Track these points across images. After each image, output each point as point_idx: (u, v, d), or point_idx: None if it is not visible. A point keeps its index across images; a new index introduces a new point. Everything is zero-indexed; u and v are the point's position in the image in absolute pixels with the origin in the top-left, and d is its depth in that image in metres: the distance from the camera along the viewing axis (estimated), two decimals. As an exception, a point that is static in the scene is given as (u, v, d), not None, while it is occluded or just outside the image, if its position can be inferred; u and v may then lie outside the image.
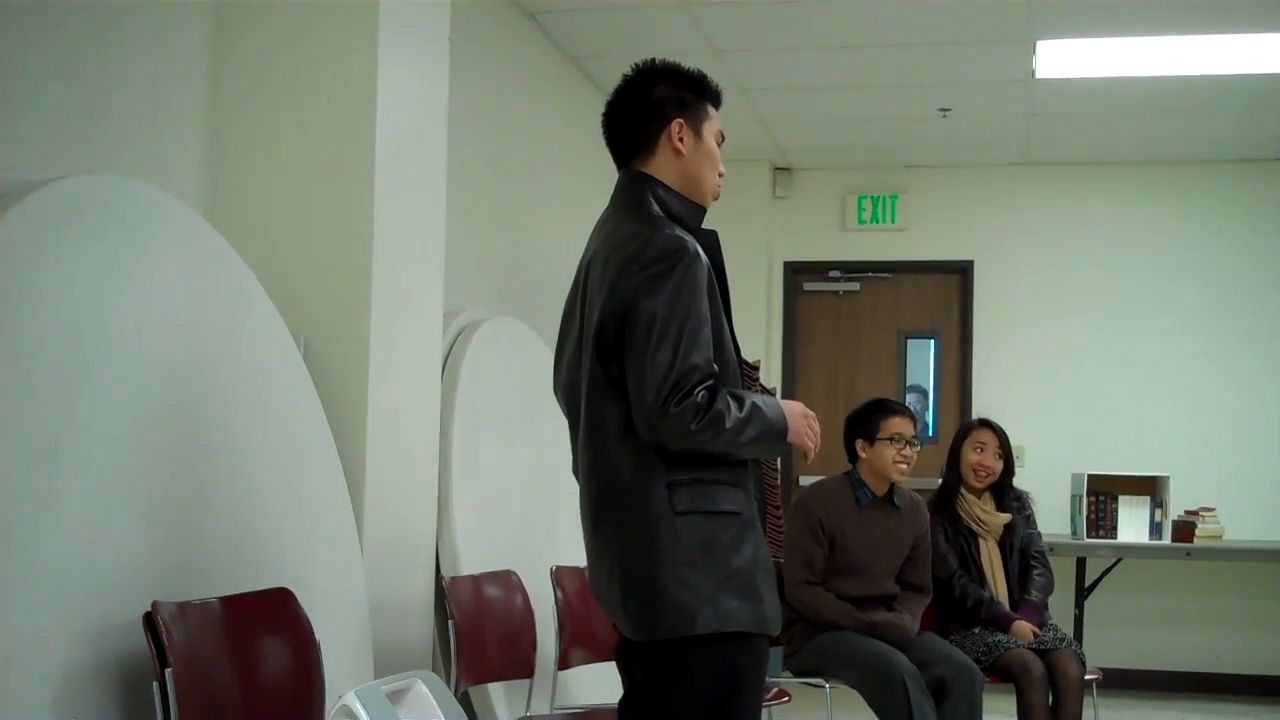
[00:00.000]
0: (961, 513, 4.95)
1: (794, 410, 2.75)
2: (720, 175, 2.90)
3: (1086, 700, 4.70)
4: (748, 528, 2.69)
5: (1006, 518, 4.96)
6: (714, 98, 2.89)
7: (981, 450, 4.98)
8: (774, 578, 2.75)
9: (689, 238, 2.68)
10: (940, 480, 5.16)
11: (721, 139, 2.90)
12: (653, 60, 2.89)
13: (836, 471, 4.72)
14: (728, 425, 2.57)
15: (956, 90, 6.44)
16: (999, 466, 4.99)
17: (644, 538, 2.63)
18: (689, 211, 2.81)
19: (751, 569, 2.66)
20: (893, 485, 4.66)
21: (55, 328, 2.64)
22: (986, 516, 4.94)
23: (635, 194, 2.81)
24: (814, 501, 4.58)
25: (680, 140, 2.80)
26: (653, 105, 2.83)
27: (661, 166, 2.82)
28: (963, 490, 4.99)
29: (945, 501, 5.00)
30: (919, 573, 4.69)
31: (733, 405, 2.59)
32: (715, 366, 2.62)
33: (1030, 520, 5.09)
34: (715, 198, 2.89)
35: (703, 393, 2.56)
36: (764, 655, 2.73)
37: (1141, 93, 6.35)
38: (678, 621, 2.60)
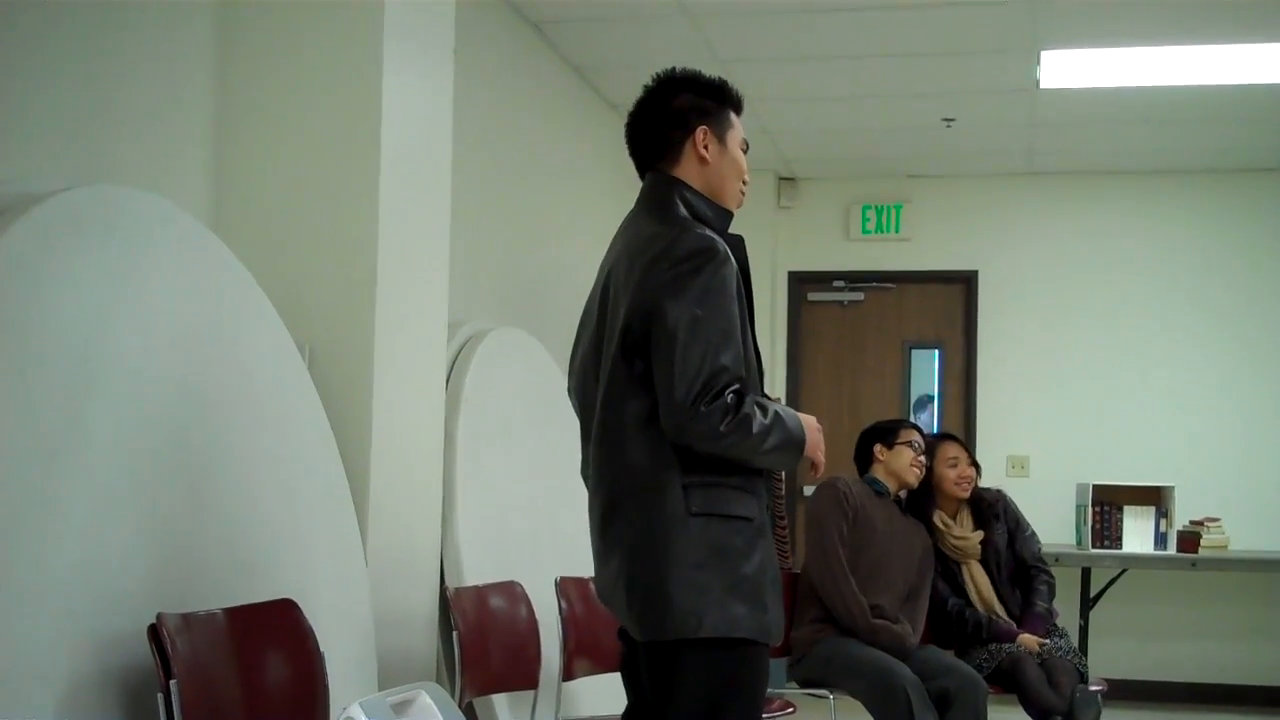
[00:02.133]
0: (939, 546, 4.93)
1: (810, 424, 2.75)
2: (745, 184, 2.89)
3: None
4: (759, 535, 2.68)
5: (981, 534, 4.96)
6: (735, 104, 2.89)
7: (956, 464, 4.99)
8: (780, 588, 2.75)
9: (719, 239, 2.68)
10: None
11: (746, 147, 2.90)
12: (673, 70, 2.88)
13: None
14: (754, 430, 2.57)
15: (960, 100, 6.45)
16: (974, 472, 5.04)
17: (657, 537, 2.62)
18: (716, 215, 2.81)
19: (759, 577, 2.65)
20: (899, 497, 4.81)
21: (60, 338, 2.64)
22: (962, 543, 4.92)
23: (662, 196, 2.80)
24: (839, 481, 4.70)
25: (705, 148, 2.80)
26: (675, 114, 2.82)
27: (686, 174, 2.82)
28: (936, 518, 4.96)
29: (919, 516, 4.97)
30: (922, 580, 4.75)
31: (758, 411, 2.59)
32: (743, 369, 2.62)
33: (1020, 522, 5.07)
34: (739, 205, 2.89)
35: (732, 395, 2.56)
36: (765, 664, 2.72)
37: (1145, 103, 6.35)
38: (682, 623, 2.60)
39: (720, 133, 2.83)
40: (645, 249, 2.67)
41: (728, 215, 2.85)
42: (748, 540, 2.65)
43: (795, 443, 2.68)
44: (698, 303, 2.57)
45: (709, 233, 2.68)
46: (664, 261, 2.62)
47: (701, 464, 2.61)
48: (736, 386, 2.58)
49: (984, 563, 4.95)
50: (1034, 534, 5.10)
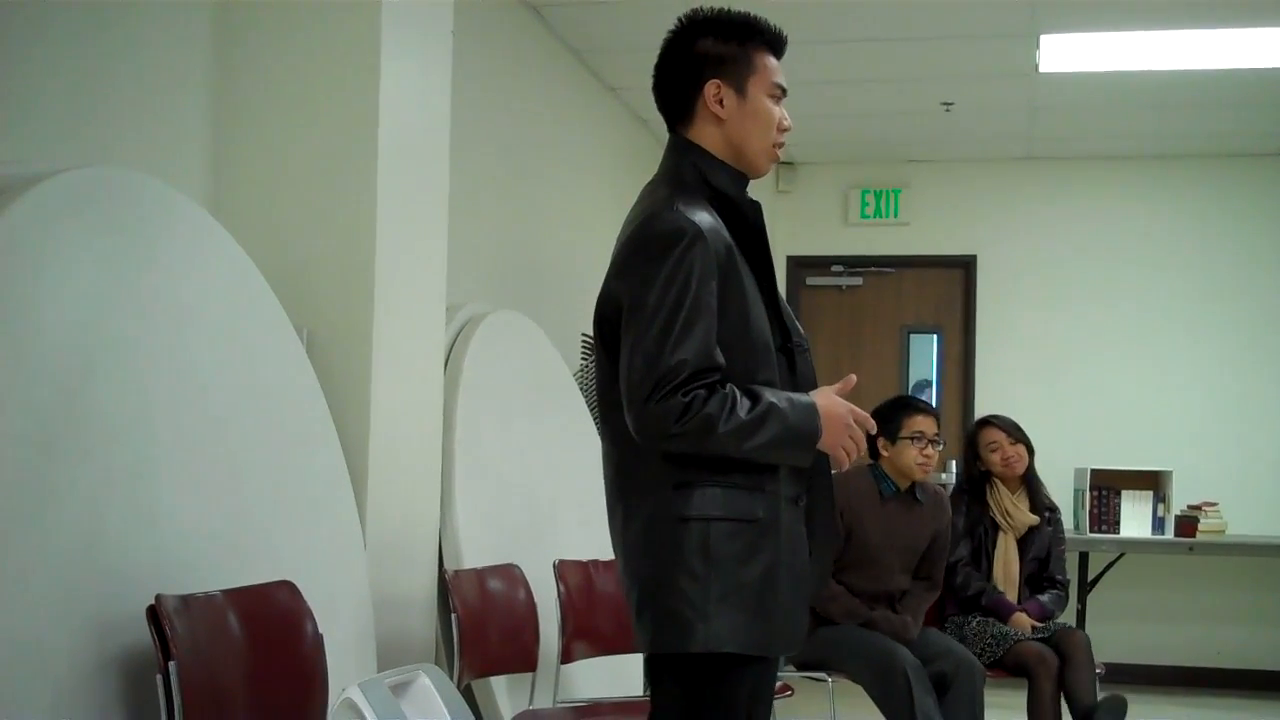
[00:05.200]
0: (990, 502, 4.97)
1: (833, 414, 2.50)
2: (784, 131, 2.62)
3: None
4: (765, 536, 2.46)
5: (1035, 520, 4.97)
6: (770, 44, 2.61)
7: (996, 448, 5.01)
8: (802, 587, 2.55)
9: (699, 217, 2.44)
10: (956, 474, 5.20)
11: (781, 92, 2.63)
12: (698, 10, 2.61)
13: (861, 464, 4.66)
14: (720, 430, 2.35)
15: (959, 84, 6.44)
16: (1021, 450, 5.02)
17: (646, 544, 2.47)
18: (731, 180, 2.57)
19: (764, 583, 2.45)
20: (912, 488, 4.64)
21: (58, 320, 2.63)
22: (1015, 512, 4.95)
23: (672, 163, 2.60)
24: (837, 489, 4.54)
25: (720, 104, 2.56)
26: (688, 66, 2.58)
27: (703, 133, 2.58)
28: (997, 482, 5.02)
29: (974, 490, 5.02)
30: (932, 567, 4.70)
31: (739, 406, 2.37)
32: (718, 359, 2.40)
33: (1061, 541, 5.09)
34: (774, 159, 2.64)
35: (697, 392, 2.35)
36: (763, 678, 2.53)
37: (1144, 87, 6.34)
38: (672, 637, 2.44)
39: (739, 83, 2.56)
40: (625, 230, 2.52)
41: (744, 180, 2.60)
42: (749, 543, 2.44)
43: (799, 437, 2.44)
44: (660, 291, 2.38)
45: (684, 210, 2.45)
46: (629, 247, 2.46)
47: (694, 463, 2.42)
48: (707, 381, 2.36)
49: (1019, 543, 4.98)
50: (1064, 558, 5.12)
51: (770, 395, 2.43)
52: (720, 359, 2.41)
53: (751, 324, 2.50)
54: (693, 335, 2.37)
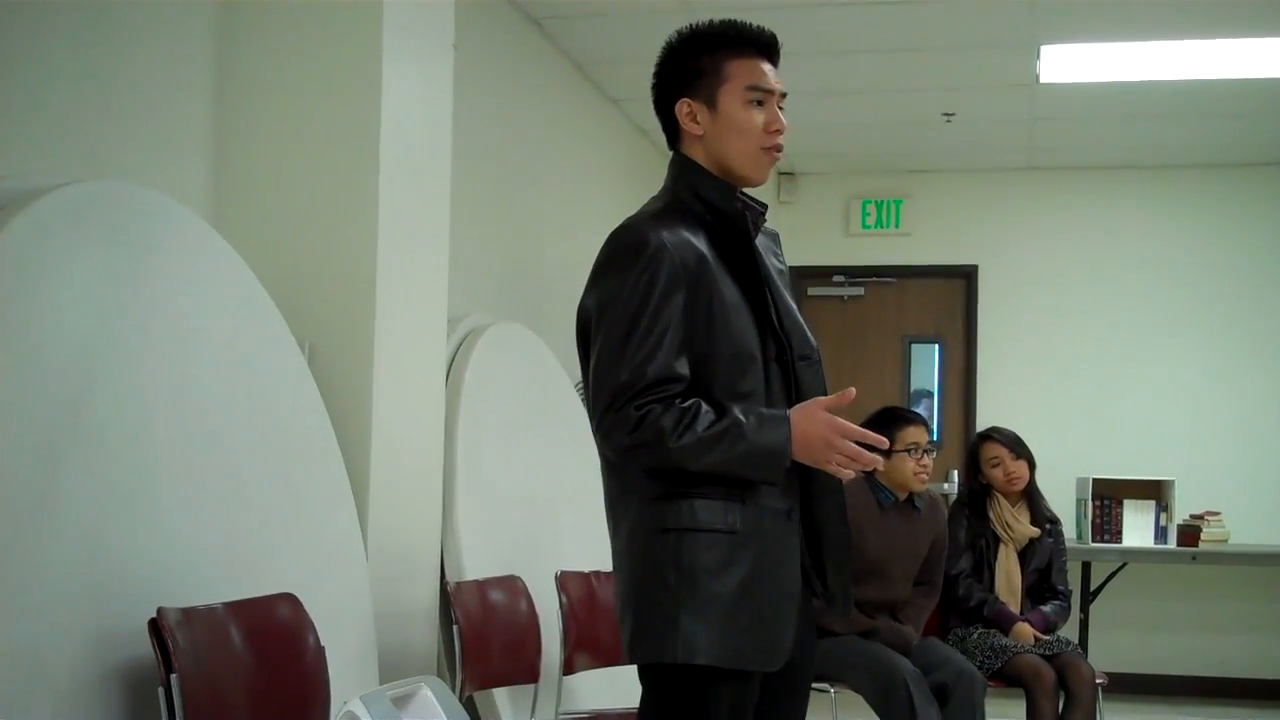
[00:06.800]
0: (991, 515, 4.95)
1: (808, 431, 2.41)
2: (774, 133, 2.55)
3: (1091, 704, 4.70)
4: (743, 547, 2.43)
5: (1035, 532, 4.96)
6: (751, 47, 2.57)
7: (998, 464, 4.99)
8: (782, 603, 2.49)
9: (667, 229, 2.44)
10: (959, 486, 5.17)
11: (764, 94, 2.55)
12: (680, 29, 2.60)
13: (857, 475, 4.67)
14: (671, 445, 2.34)
15: (960, 95, 6.45)
16: (1023, 466, 5.00)
17: (629, 554, 2.49)
18: (720, 194, 2.54)
19: (738, 596, 2.42)
20: (911, 498, 4.62)
21: (60, 333, 2.64)
22: (1016, 525, 4.94)
23: (669, 179, 2.62)
24: None
25: (694, 120, 2.55)
26: (665, 88, 2.59)
27: (692, 149, 2.58)
28: (997, 495, 5.00)
29: (975, 502, 5.01)
30: (931, 571, 4.70)
31: (698, 421, 2.36)
32: (678, 371, 2.39)
33: (1063, 553, 5.07)
34: (769, 162, 2.57)
35: (651, 406, 2.36)
36: (741, 693, 2.47)
37: (1145, 97, 6.35)
38: (647, 646, 2.45)
39: (709, 96, 2.54)
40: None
41: (731, 190, 2.55)
42: (724, 555, 2.42)
43: (763, 454, 2.39)
44: (622, 304, 2.40)
45: (650, 224, 2.46)
46: (598, 261, 2.48)
47: (673, 475, 2.41)
48: (665, 392, 2.36)
49: (1020, 555, 4.96)
50: (1066, 571, 5.10)
51: (738, 411, 2.40)
52: (682, 371, 2.41)
53: (730, 334, 2.46)
54: (649, 347, 2.38)
